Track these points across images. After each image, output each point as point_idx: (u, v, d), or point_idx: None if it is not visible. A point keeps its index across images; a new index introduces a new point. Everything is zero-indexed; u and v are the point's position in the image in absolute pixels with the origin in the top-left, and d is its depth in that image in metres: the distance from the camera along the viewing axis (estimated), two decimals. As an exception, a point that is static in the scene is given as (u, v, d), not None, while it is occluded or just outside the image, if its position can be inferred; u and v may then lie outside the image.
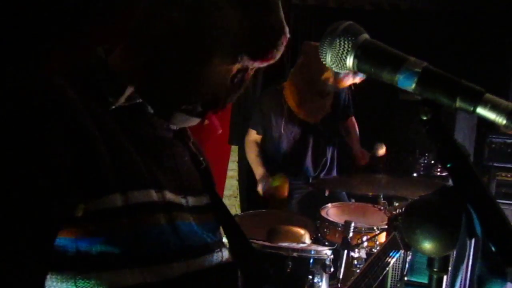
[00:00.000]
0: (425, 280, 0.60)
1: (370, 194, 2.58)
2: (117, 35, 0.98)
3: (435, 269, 0.59)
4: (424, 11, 3.76)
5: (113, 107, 0.85)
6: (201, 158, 1.07)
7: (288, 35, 0.95)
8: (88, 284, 0.73)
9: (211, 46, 0.87)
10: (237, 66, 0.91)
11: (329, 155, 3.03)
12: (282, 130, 2.90)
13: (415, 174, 3.27)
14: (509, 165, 3.38)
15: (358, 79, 2.79)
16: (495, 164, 3.40)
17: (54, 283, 0.73)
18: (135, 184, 0.80)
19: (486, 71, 3.33)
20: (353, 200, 2.89)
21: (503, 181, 3.41)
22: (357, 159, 3.08)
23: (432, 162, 3.24)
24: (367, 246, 2.41)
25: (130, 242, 0.77)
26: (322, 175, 3.03)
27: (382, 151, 2.91)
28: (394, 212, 2.08)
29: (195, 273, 0.86)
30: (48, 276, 0.72)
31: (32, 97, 0.72)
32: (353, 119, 3.16)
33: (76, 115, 0.75)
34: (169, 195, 0.88)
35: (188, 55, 0.88)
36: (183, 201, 0.92)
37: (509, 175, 3.41)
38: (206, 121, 1.02)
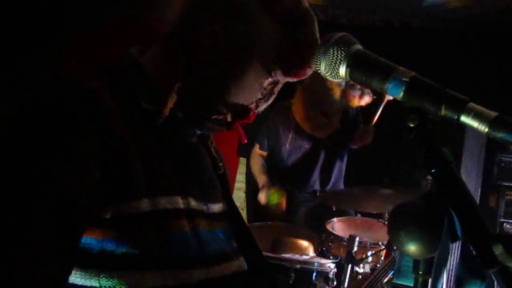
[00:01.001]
0: (411, 283, 0.62)
1: (374, 212, 2.58)
2: (151, 37, 0.99)
3: (420, 272, 0.61)
4: (434, 29, 3.78)
5: (161, 121, 0.87)
6: (220, 164, 1.08)
7: None
8: (111, 283, 0.75)
9: (247, 60, 0.89)
10: (269, 80, 0.92)
11: (335, 170, 3.04)
12: (288, 145, 2.93)
13: (422, 190, 3.25)
14: (518, 185, 3.35)
15: (367, 99, 2.82)
16: (504, 183, 3.37)
17: (78, 279, 0.74)
18: (163, 191, 0.82)
19: (498, 89, 3.33)
20: (359, 215, 2.89)
21: (513, 201, 3.38)
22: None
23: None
24: (371, 261, 2.40)
25: (154, 246, 0.78)
26: (327, 188, 3.04)
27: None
28: None
29: (214, 280, 0.87)
30: (72, 272, 0.73)
31: (68, 99, 0.73)
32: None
33: (111, 119, 0.76)
34: (193, 202, 0.89)
35: (224, 67, 0.89)
36: (204, 208, 0.93)
37: (518, 195, 3.38)
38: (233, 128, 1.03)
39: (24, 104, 0.74)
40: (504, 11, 3.37)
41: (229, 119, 0.94)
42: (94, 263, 0.75)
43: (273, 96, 0.98)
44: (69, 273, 0.72)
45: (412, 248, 0.57)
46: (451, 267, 0.58)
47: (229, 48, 0.88)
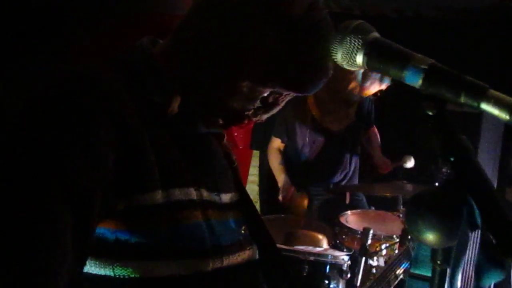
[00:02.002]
0: (428, 273, 0.61)
1: (388, 195, 2.56)
2: (161, 31, 0.98)
3: (438, 262, 0.61)
4: (448, 20, 3.73)
5: (169, 116, 0.85)
6: (233, 158, 1.08)
7: (330, 74, 0.88)
8: (125, 272, 0.75)
9: (242, 66, 0.85)
10: (269, 89, 0.88)
11: (351, 164, 3.03)
12: (306, 138, 2.92)
13: (437, 183, 3.23)
14: (535, 177, 3.30)
15: (384, 85, 2.79)
16: (522, 176, 3.32)
17: (93, 268, 0.75)
18: (177, 182, 0.82)
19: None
20: (372, 208, 2.88)
21: (529, 193, 3.32)
22: (378, 168, 3.07)
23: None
24: (385, 254, 2.39)
25: (168, 236, 0.78)
26: (343, 183, 3.03)
27: (410, 163, 2.88)
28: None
29: (228, 268, 0.87)
30: (87, 261, 0.74)
31: (81, 92, 0.73)
32: (375, 128, 3.15)
33: (124, 111, 0.76)
34: (205, 193, 0.89)
35: (217, 69, 0.86)
36: (216, 198, 0.93)
37: (535, 187, 3.33)
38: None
39: (37, 97, 0.74)
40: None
41: (220, 122, 0.93)
42: (109, 252, 0.76)
43: (277, 107, 0.93)
44: (84, 264, 0.72)
45: (430, 237, 0.56)
46: (470, 256, 0.58)
47: (225, 50, 0.85)
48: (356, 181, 3.10)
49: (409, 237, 1.98)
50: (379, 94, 2.89)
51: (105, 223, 0.75)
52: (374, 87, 2.78)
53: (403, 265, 1.94)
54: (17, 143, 0.68)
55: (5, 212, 0.63)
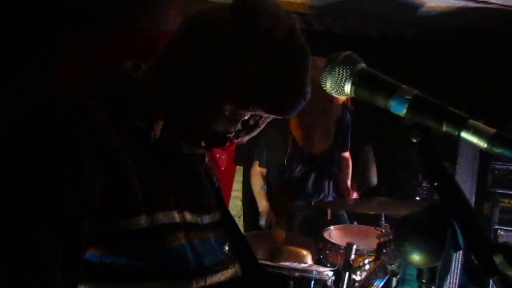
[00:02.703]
0: (414, 292, 0.65)
1: (371, 212, 2.61)
2: (146, 46, 1.00)
3: (424, 281, 0.64)
4: (429, 39, 3.84)
5: (152, 141, 0.86)
6: (214, 178, 1.10)
7: (308, 97, 0.91)
8: None
9: (223, 90, 0.87)
10: (250, 112, 0.90)
11: (329, 185, 3.07)
12: (285, 161, 2.95)
13: (417, 198, 3.30)
14: (512, 192, 3.40)
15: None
16: (498, 191, 3.41)
17: None
18: (160, 206, 0.83)
19: (491, 96, 3.38)
20: (355, 223, 2.92)
21: (506, 208, 3.41)
22: (343, 195, 3.12)
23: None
24: (369, 269, 2.42)
25: (153, 259, 0.80)
26: (323, 198, 3.07)
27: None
28: (382, 239, 2.12)
29: (211, 287, 0.89)
30: None
31: (66, 119, 0.74)
32: (347, 154, 3.18)
33: (108, 137, 0.77)
34: (188, 215, 0.90)
35: (201, 94, 0.88)
36: (199, 219, 0.94)
37: (512, 202, 3.42)
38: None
39: (21, 124, 0.74)
40: (497, 20, 3.43)
41: (203, 144, 0.94)
42: (94, 276, 0.76)
43: (258, 129, 0.96)
44: None
45: (416, 257, 0.60)
46: (454, 276, 0.61)
47: (207, 76, 0.87)
48: (332, 197, 3.14)
49: (384, 251, 2.03)
50: (347, 101, 2.94)
51: (90, 249, 0.76)
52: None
53: (379, 282, 1.98)
54: (3, 175, 0.69)
55: None
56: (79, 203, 0.70)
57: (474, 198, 3.35)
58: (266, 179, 3.08)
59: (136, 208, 0.78)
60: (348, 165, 3.18)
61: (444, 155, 0.64)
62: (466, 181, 3.34)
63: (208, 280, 0.88)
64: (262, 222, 2.98)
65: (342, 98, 2.82)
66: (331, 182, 3.08)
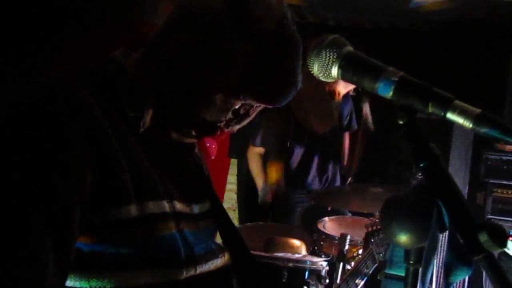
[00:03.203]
0: (402, 273, 0.65)
1: (365, 211, 2.63)
2: (136, 40, 0.99)
3: (411, 262, 0.64)
4: (420, 30, 3.85)
5: (142, 130, 0.86)
6: (204, 167, 1.09)
7: (299, 86, 0.91)
8: (101, 283, 0.76)
9: (212, 78, 0.86)
10: (241, 101, 0.90)
11: (332, 169, 3.08)
12: (288, 144, 2.95)
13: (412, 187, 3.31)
14: (505, 182, 3.41)
15: (351, 87, 2.84)
16: (491, 181, 3.43)
17: (68, 281, 0.74)
18: (150, 196, 0.83)
19: (482, 87, 3.40)
20: (350, 214, 2.93)
21: (500, 198, 3.43)
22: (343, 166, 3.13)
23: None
24: (357, 258, 2.44)
25: (143, 248, 0.80)
26: (326, 182, 3.07)
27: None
28: (370, 229, 2.13)
29: (201, 276, 0.89)
30: None
31: (56, 107, 0.73)
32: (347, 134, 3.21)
33: (98, 126, 0.76)
34: (178, 205, 0.90)
35: (191, 82, 0.87)
36: (188, 209, 0.94)
37: (505, 192, 3.44)
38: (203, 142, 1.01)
39: (10, 113, 0.73)
40: (490, 11, 3.44)
41: (193, 133, 0.94)
42: (84, 265, 0.76)
43: (248, 118, 0.95)
44: (66, 280, 0.73)
45: (403, 238, 0.60)
46: (440, 255, 0.62)
47: (197, 64, 0.87)
48: (337, 183, 3.15)
49: (372, 240, 2.04)
50: (353, 93, 2.95)
51: (81, 238, 0.75)
52: (342, 85, 2.83)
53: (367, 270, 2.00)
54: None
55: None
56: (70, 191, 0.70)
57: (467, 188, 3.37)
58: (264, 159, 3.06)
59: (126, 197, 0.78)
60: (345, 140, 3.20)
61: (437, 146, 0.64)
62: (459, 171, 3.36)
63: (198, 269, 0.88)
64: (260, 200, 2.99)
65: (341, 91, 2.84)
66: (336, 165, 3.09)
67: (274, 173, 2.90)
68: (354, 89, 2.98)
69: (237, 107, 0.91)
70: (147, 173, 0.84)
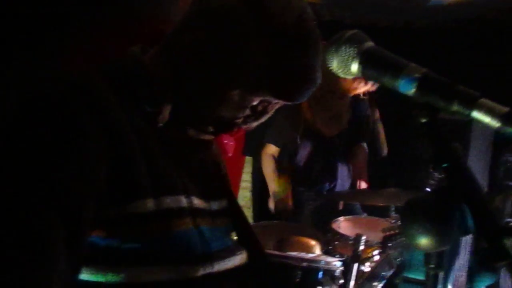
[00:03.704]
0: (421, 277, 0.63)
1: (380, 204, 2.58)
2: (154, 37, 0.98)
3: (431, 266, 0.62)
4: (438, 29, 3.78)
5: (160, 125, 0.85)
6: (221, 165, 1.09)
7: (318, 83, 0.89)
8: (116, 278, 0.76)
9: (230, 74, 0.86)
10: (259, 98, 0.89)
11: (340, 170, 3.04)
12: (298, 141, 2.93)
13: (428, 189, 3.25)
14: (525, 185, 3.35)
15: (370, 86, 2.79)
16: (511, 184, 3.37)
17: (83, 275, 0.75)
18: (167, 190, 0.82)
19: (506, 86, 3.33)
20: (365, 214, 2.90)
21: (519, 201, 3.36)
22: (355, 181, 3.09)
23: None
24: (378, 260, 2.41)
25: (159, 244, 0.79)
26: (335, 189, 3.04)
27: None
28: (388, 233, 2.10)
29: (218, 273, 0.88)
30: None
31: (73, 100, 0.73)
32: (365, 144, 3.12)
33: (115, 119, 0.76)
34: (195, 200, 0.90)
35: (209, 78, 0.87)
36: (206, 205, 0.94)
37: (524, 195, 3.37)
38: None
39: (27, 107, 0.74)
40: (508, 10, 3.37)
41: (210, 129, 0.93)
42: (100, 259, 0.76)
43: (266, 115, 0.94)
44: (79, 274, 0.72)
45: (423, 241, 0.58)
46: (463, 260, 0.59)
47: (216, 60, 0.86)
48: (347, 186, 3.11)
49: (390, 244, 2.00)
50: (364, 96, 2.90)
51: (96, 231, 0.75)
52: (360, 85, 2.78)
53: (384, 274, 1.96)
54: (8, 154, 0.69)
55: None
56: (83, 185, 0.70)
57: (486, 190, 3.31)
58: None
59: (143, 191, 0.78)
60: (362, 153, 3.12)
61: None
62: (477, 174, 3.29)
63: (215, 266, 0.87)
64: (272, 205, 2.96)
65: (357, 90, 2.80)
66: (345, 170, 3.05)
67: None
68: (364, 93, 2.91)
69: (255, 103, 0.90)
70: (165, 168, 0.84)
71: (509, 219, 3.32)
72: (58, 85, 0.76)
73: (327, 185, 3.01)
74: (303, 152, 2.97)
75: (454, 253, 0.57)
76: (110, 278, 0.76)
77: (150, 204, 0.78)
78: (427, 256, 0.62)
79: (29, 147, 0.69)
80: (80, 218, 0.70)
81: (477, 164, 3.35)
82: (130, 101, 0.83)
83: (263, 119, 0.95)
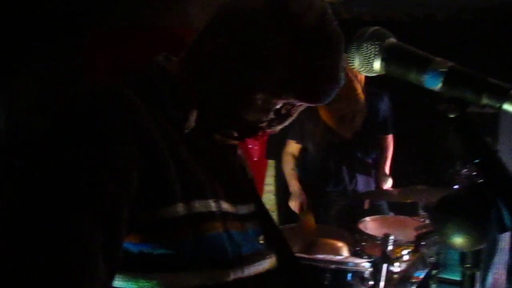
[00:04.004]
0: (457, 277, 0.61)
1: (409, 201, 2.53)
2: (176, 46, 1.00)
3: (467, 265, 0.60)
4: (460, 20, 3.70)
5: (187, 131, 0.86)
6: (247, 169, 1.09)
7: (342, 83, 0.89)
8: (149, 284, 0.76)
9: (255, 78, 0.86)
10: (282, 101, 0.89)
11: (361, 169, 3.01)
12: (318, 141, 2.91)
13: (456, 186, 3.18)
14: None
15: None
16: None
17: (116, 281, 0.75)
18: (197, 195, 0.83)
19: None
20: (392, 213, 2.85)
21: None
22: (379, 179, 3.04)
23: (474, 173, 3.13)
24: (408, 260, 2.36)
25: (191, 248, 0.79)
26: (360, 188, 3.00)
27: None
28: (420, 231, 2.05)
29: (248, 277, 0.88)
30: None
31: (105, 107, 0.74)
32: (389, 138, 3.07)
33: (146, 125, 0.77)
34: (224, 205, 0.90)
35: (233, 83, 0.87)
36: (234, 210, 0.93)
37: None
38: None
39: (61, 115, 0.75)
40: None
41: (235, 134, 0.93)
42: (132, 266, 0.76)
43: (290, 118, 0.94)
44: (113, 279, 0.72)
45: (459, 240, 0.56)
46: (502, 258, 0.57)
47: (239, 64, 0.86)
48: (372, 185, 3.06)
49: (423, 243, 1.96)
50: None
51: (129, 237, 0.76)
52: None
53: (419, 273, 1.92)
54: (45, 161, 0.69)
55: (36, 231, 0.63)
56: (119, 190, 0.70)
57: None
58: (298, 161, 3.04)
59: (173, 196, 0.78)
60: (387, 148, 3.08)
61: None
62: (507, 163, 3.21)
63: (245, 270, 0.87)
64: (292, 204, 2.96)
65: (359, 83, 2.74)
66: (371, 166, 3.01)
67: (308, 224, 2.84)
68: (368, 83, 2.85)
69: (278, 106, 0.90)
70: (194, 172, 0.84)
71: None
72: (91, 92, 0.77)
73: (348, 183, 2.97)
74: (325, 150, 2.95)
75: (492, 252, 0.54)
76: (142, 284, 0.76)
77: (180, 208, 0.79)
78: (463, 255, 0.59)
79: (62, 153, 0.69)
80: (116, 224, 0.70)
81: (506, 156, 3.26)
82: (156, 108, 0.84)
83: (287, 122, 0.95)
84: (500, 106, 0.58)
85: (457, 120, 0.60)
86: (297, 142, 3.02)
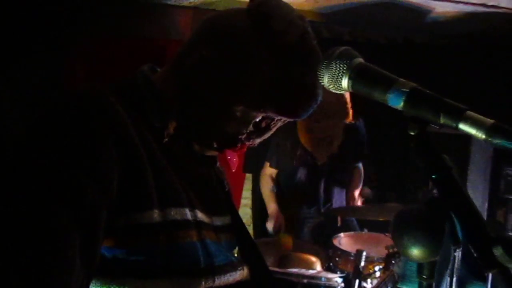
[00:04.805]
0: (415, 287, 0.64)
1: (381, 219, 2.57)
2: (157, 55, 1.02)
3: (424, 276, 0.63)
4: (437, 45, 3.82)
5: (165, 140, 0.88)
6: (225, 182, 1.10)
7: (319, 100, 0.92)
8: None
9: (235, 91, 0.88)
10: (262, 114, 0.91)
11: (338, 192, 3.04)
12: (296, 161, 2.94)
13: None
14: (526, 198, 3.34)
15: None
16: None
17: (89, 286, 0.75)
18: (173, 202, 0.84)
19: (500, 105, 3.34)
20: (366, 230, 2.89)
21: (521, 215, 3.35)
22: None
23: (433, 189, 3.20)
24: (379, 276, 2.39)
25: (164, 255, 0.80)
26: (336, 205, 3.03)
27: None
28: (391, 250, 2.09)
29: (219, 287, 0.89)
30: None
31: (87, 113, 0.76)
32: (360, 165, 3.13)
33: (127, 132, 0.79)
34: (200, 214, 0.91)
35: (214, 95, 0.89)
36: (209, 220, 0.95)
37: (526, 208, 3.36)
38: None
39: (44, 118, 0.77)
40: (507, 25, 3.41)
41: (214, 145, 0.95)
42: (105, 271, 0.77)
43: (269, 132, 0.96)
44: (91, 282, 0.74)
45: (415, 251, 0.59)
46: (453, 270, 0.60)
47: (221, 77, 0.89)
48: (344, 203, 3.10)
49: (393, 262, 1.99)
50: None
51: (104, 241, 0.76)
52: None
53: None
54: (27, 162, 0.71)
55: (14, 231, 0.64)
56: (98, 193, 0.72)
57: (487, 204, 3.30)
58: (276, 182, 3.06)
59: (150, 202, 0.79)
60: (358, 177, 3.14)
61: (455, 162, 0.63)
62: (478, 187, 3.29)
63: (216, 280, 0.88)
64: (269, 225, 2.96)
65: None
66: (342, 192, 3.05)
67: (286, 246, 2.85)
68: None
69: (258, 120, 0.92)
70: (171, 180, 0.86)
71: (511, 233, 3.31)
72: (74, 97, 0.79)
73: (323, 202, 3.01)
74: (303, 171, 2.98)
75: (445, 263, 0.57)
76: None
77: (156, 215, 0.80)
78: (420, 266, 0.62)
79: (44, 156, 0.71)
80: (95, 226, 0.71)
81: (478, 178, 3.34)
82: (138, 116, 0.86)
83: (266, 136, 0.98)
84: (457, 126, 0.62)
85: (417, 137, 0.64)
86: (271, 166, 3.05)
